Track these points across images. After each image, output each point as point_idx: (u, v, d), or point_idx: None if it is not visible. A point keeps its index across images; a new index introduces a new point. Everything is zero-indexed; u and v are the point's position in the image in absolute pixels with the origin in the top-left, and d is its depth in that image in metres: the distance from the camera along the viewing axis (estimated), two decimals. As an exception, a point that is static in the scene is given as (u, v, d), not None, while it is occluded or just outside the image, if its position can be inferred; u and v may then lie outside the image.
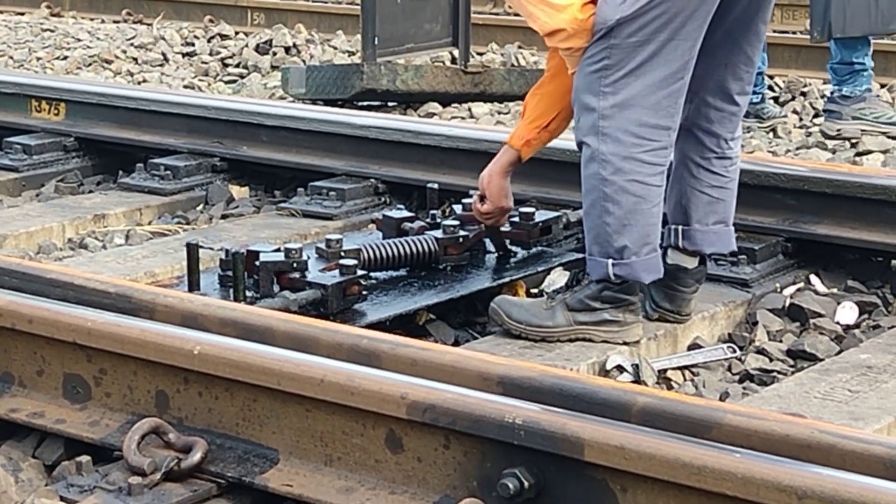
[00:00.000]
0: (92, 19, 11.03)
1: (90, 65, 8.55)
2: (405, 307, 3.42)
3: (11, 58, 8.91)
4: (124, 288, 2.92)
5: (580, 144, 3.23)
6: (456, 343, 3.44)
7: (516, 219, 3.79)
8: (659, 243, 3.29)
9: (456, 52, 7.30)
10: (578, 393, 2.37)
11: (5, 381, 2.79)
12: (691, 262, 3.44)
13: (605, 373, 3.21)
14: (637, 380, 3.19)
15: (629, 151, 3.16)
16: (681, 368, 3.32)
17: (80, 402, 2.69)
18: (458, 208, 3.84)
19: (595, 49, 3.17)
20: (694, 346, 3.44)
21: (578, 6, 3.16)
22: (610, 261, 3.22)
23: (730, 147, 3.41)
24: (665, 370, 3.28)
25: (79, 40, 9.59)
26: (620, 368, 3.22)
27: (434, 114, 6.77)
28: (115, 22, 10.84)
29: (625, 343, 3.29)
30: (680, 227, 3.43)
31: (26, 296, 2.85)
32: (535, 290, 3.74)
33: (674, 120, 3.20)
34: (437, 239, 3.68)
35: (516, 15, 8.53)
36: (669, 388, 3.23)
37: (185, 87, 7.75)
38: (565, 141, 3.71)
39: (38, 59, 8.84)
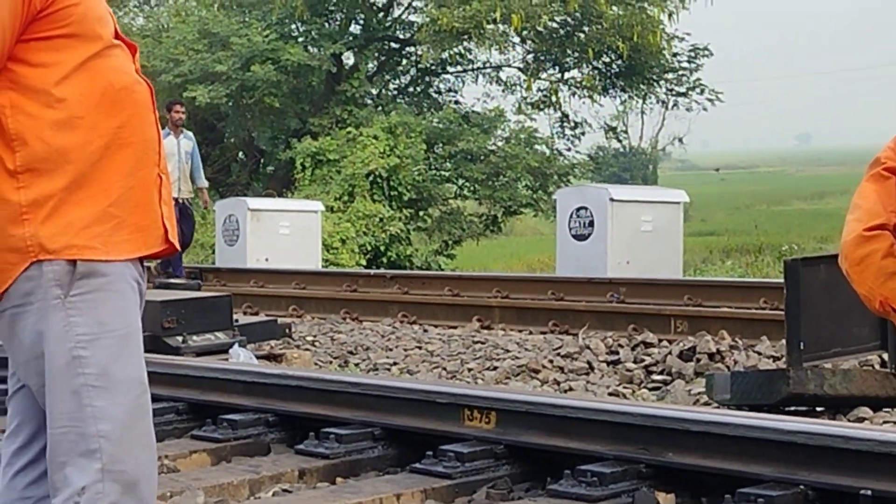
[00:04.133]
0: (520, 331, 11.46)
1: (518, 374, 8.83)
2: None
3: (444, 369, 9.33)
4: None
5: None
6: None
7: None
8: None
9: (885, 356, 7.12)
10: None
11: None
12: None
13: None
14: None
15: None
16: None
17: None
18: (894, 516, 3.68)
19: None
20: None
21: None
22: None
23: None
24: None
25: (507, 351, 9.95)
26: None
27: (865, 418, 6.57)
28: (541, 333, 11.21)
29: None
30: None
31: None
32: None
33: None
34: (872, 548, 3.53)
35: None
36: None
37: (610, 394, 7.86)
38: None
39: (470, 369, 9.21)
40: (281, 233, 18.77)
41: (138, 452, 2.77)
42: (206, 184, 16.19)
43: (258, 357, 8.93)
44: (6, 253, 2.73)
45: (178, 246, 2.93)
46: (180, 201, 15.19)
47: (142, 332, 2.87)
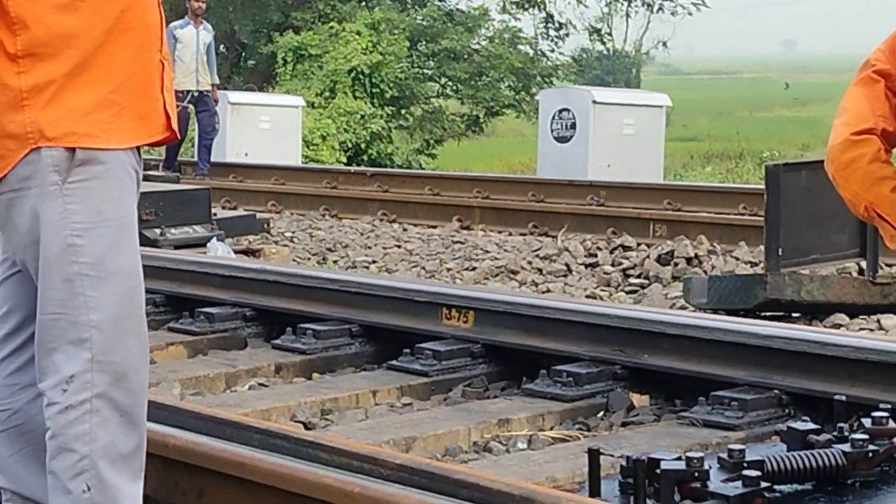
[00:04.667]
0: (500, 232, 11.45)
1: (497, 275, 8.84)
2: (811, 523, 3.31)
3: (423, 268, 9.33)
4: (528, 490, 2.96)
5: None
6: (865, 563, 3.28)
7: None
8: None
9: (863, 263, 7.14)
10: None
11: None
12: None
13: None
14: None
15: None
16: None
17: None
18: (867, 422, 3.70)
19: None
20: None
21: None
22: None
23: None
24: None
25: (487, 252, 9.95)
26: None
27: (841, 325, 6.60)
28: (521, 234, 11.21)
29: None
30: None
31: (426, 492, 2.93)
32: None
33: None
34: (844, 453, 3.55)
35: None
36: None
37: (588, 296, 7.88)
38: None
39: (448, 269, 9.22)
40: (261, 128, 18.65)
41: (130, 344, 2.74)
42: (217, 80, 16.02)
43: (236, 251, 8.91)
44: (5, 139, 2.68)
45: (178, 134, 2.88)
46: (196, 93, 15.12)
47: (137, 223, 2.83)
